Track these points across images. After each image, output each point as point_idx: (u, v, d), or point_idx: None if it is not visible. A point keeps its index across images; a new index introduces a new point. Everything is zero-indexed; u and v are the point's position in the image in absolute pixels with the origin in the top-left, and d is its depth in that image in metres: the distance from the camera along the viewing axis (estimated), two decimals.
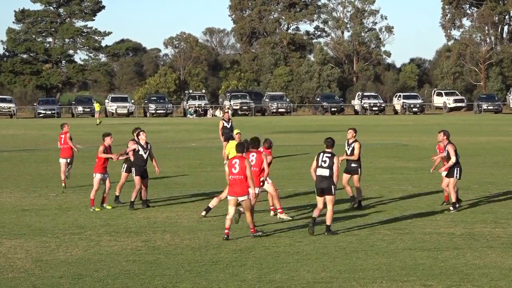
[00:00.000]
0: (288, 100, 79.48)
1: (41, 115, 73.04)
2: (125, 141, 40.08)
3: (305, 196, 18.65)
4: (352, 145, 17.26)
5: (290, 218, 15.60)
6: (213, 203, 15.80)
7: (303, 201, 17.98)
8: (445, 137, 16.82)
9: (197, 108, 76.08)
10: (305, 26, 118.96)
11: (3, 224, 15.29)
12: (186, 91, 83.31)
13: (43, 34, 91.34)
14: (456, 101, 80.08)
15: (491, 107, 76.98)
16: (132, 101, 78.39)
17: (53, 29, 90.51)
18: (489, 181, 21.62)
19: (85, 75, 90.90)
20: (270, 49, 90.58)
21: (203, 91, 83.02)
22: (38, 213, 16.57)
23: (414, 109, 77.28)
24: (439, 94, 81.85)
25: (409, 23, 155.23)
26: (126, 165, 17.56)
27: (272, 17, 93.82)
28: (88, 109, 73.49)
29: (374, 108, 77.78)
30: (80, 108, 74.62)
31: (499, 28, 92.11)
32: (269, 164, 15.23)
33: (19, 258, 12.24)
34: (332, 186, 13.86)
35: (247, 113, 75.27)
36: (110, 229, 14.75)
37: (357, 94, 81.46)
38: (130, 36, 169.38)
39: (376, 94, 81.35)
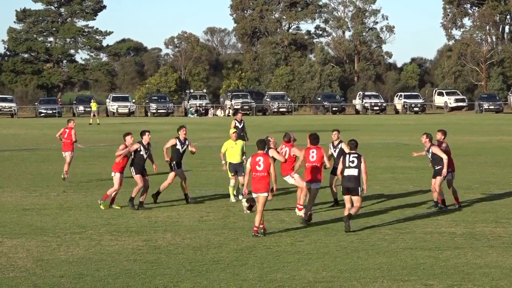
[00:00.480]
0: (289, 99, 79.40)
1: (42, 115, 73.05)
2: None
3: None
4: (339, 146, 17.17)
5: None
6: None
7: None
8: (428, 139, 16.76)
9: (198, 108, 76.08)
10: (306, 26, 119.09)
11: (4, 224, 15.29)
12: (187, 91, 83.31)
13: (44, 33, 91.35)
14: (457, 100, 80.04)
15: (492, 107, 76.90)
16: (133, 100, 78.36)
17: (54, 29, 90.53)
18: (490, 180, 21.63)
19: (86, 74, 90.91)
20: (271, 49, 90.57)
21: (204, 90, 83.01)
22: (39, 213, 16.56)
23: (415, 109, 77.29)
24: (440, 94, 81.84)
25: (410, 23, 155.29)
26: (174, 163, 17.60)
27: (273, 16, 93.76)
28: (89, 109, 73.40)
29: (375, 108, 77.78)
30: (81, 108, 74.58)
31: (500, 28, 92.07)
32: (292, 157, 15.68)
33: (20, 258, 12.24)
34: (359, 187, 14.29)
35: (248, 112, 75.23)
36: (111, 228, 14.74)
37: (358, 93, 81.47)
38: (131, 35, 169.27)
39: (377, 93, 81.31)
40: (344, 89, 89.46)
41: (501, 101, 79.02)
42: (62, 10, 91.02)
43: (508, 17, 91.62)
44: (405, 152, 31.52)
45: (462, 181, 20.53)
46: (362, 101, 78.41)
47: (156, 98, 78.01)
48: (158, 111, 75.23)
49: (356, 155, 14.44)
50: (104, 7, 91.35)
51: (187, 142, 17.92)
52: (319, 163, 15.26)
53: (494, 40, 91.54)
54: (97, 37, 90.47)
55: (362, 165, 14.29)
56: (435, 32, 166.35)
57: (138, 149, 17.23)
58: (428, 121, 58.79)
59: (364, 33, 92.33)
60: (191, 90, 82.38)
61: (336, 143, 17.33)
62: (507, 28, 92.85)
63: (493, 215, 15.94)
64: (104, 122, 61.98)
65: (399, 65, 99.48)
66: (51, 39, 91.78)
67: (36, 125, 55.96)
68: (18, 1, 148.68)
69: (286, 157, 15.77)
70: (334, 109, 77.19)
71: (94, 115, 61.23)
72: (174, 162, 17.67)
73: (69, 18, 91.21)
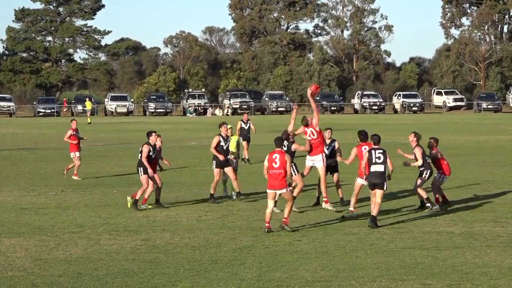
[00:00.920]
0: (287, 99, 79.33)
1: (40, 114, 73.01)
2: (125, 139, 40.02)
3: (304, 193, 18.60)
4: (332, 144, 17.18)
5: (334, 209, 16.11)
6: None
7: (304, 199, 17.91)
8: (415, 138, 16.79)
9: (197, 107, 76.03)
10: (305, 25, 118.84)
11: (3, 223, 15.28)
12: (185, 90, 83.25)
13: (43, 33, 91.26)
14: (455, 100, 79.94)
15: (491, 106, 76.77)
16: (132, 100, 78.30)
17: (53, 28, 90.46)
18: (489, 179, 21.60)
19: (85, 74, 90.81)
20: (270, 48, 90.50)
21: (203, 90, 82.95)
22: (38, 212, 16.54)
23: (413, 108, 77.20)
24: (439, 93, 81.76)
25: (409, 22, 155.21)
26: (215, 162, 17.69)
27: (272, 16, 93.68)
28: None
29: (373, 107, 77.68)
30: (79, 107, 74.53)
31: (499, 27, 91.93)
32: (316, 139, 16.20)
33: (18, 257, 12.23)
34: (384, 182, 14.66)
35: (246, 112, 75.16)
36: (109, 227, 14.72)
37: (357, 93, 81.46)
38: (130, 35, 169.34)
39: (375, 93, 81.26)
40: (343, 88, 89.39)
41: (499, 100, 78.96)
42: (60, 9, 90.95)
43: (506, 16, 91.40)
44: (403, 151, 31.47)
45: (460, 180, 20.53)
46: (361, 101, 78.41)
47: (154, 97, 77.94)
48: (157, 110, 75.19)
49: (381, 150, 14.75)
50: (103, 6, 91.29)
51: (229, 139, 18.18)
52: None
53: (492, 39, 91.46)
54: (95, 36, 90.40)
55: (388, 160, 14.70)
56: (434, 32, 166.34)
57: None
58: (427, 120, 58.77)
59: (362, 32, 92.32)
60: (190, 90, 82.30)
61: (329, 141, 17.30)
62: (505, 27, 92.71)
63: (492, 214, 15.91)
64: (103, 122, 61.93)
65: (397, 64, 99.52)
66: (49, 38, 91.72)
67: (34, 125, 55.94)
68: (17, 0, 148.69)
69: (310, 138, 16.10)
70: (332, 108, 77.20)
71: (88, 115, 61.08)
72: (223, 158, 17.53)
73: (68, 18, 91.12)
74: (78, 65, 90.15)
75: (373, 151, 14.77)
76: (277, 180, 13.90)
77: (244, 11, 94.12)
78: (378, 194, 14.61)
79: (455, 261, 11.76)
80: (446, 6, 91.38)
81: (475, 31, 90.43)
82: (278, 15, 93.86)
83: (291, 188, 14.51)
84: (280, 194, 14.10)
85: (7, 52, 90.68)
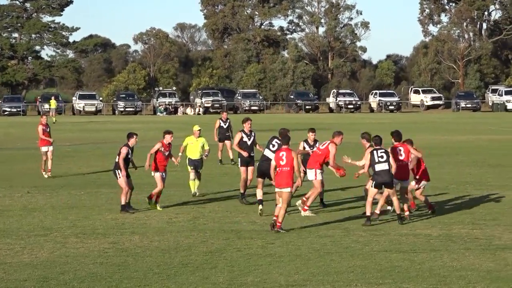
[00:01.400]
0: (261, 97, 78.79)
1: (6, 113, 72.10)
2: (93, 139, 39.32)
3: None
4: (316, 145, 16.99)
5: (314, 215, 15.95)
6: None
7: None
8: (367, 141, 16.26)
9: (168, 106, 75.56)
10: (279, 22, 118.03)
11: None
12: (156, 88, 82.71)
13: (9, 29, 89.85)
14: (433, 98, 79.70)
15: (470, 105, 76.72)
16: (101, 98, 77.60)
17: (19, 24, 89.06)
18: (467, 180, 21.47)
19: (52, 71, 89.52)
20: (243, 46, 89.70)
21: (174, 88, 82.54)
22: (2, 214, 16.36)
23: (390, 107, 77.00)
24: (416, 92, 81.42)
25: (385, 19, 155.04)
26: (240, 160, 17.73)
27: (245, 12, 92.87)
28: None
29: (349, 106, 77.07)
30: (46, 106, 73.58)
31: (478, 24, 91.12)
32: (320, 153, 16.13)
33: None
34: (393, 180, 14.93)
35: (219, 110, 74.78)
36: (76, 230, 14.54)
37: (332, 91, 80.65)
38: (99, 31, 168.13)
39: (351, 91, 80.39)
40: (318, 86, 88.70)
41: (478, 99, 78.67)
42: (27, 5, 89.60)
43: (485, 13, 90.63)
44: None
45: (438, 181, 20.30)
46: (336, 99, 77.84)
47: (124, 96, 77.30)
48: (126, 109, 74.67)
49: (383, 150, 15.01)
50: (71, 2, 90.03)
51: (253, 134, 18.06)
52: (407, 160, 15.51)
53: (471, 36, 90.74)
54: (63, 33, 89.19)
55: (391, 159, 14.92)
56: (411, 29, 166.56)
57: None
58: (404, 119, 58.70)
59: (338, 29, 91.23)
60: (160, 88, 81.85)
61: (312, 142, 17.21)
62: (484, 24, 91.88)
63: (470, 216, 15.80)
64: (71, 121, 61.21)
65: (374, 62, 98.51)
66: (15, 35, 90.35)
67: None
68: None
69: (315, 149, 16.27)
70: (307, 107, 76.40)
71: (52, 114, 59.97)
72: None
73: (35, 14, 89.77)
74: (45, 62, 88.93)
75: (375, 152, 15.02)
76: (284, 178, 14.00)
77: (216, 7, 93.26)
78: (391, 193, 14.88)
79: (433, 265, 11.67)
80: (424, 2, 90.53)
81: (454, 28, 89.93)
82: (252, 12, 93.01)
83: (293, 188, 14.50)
84: (281, 193, 14.04)
85: None
